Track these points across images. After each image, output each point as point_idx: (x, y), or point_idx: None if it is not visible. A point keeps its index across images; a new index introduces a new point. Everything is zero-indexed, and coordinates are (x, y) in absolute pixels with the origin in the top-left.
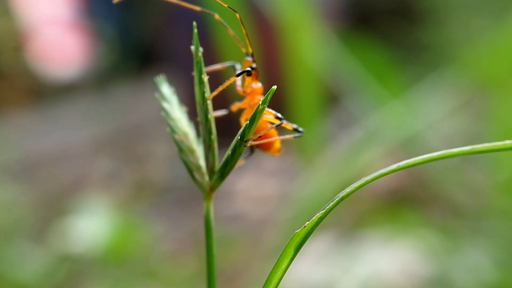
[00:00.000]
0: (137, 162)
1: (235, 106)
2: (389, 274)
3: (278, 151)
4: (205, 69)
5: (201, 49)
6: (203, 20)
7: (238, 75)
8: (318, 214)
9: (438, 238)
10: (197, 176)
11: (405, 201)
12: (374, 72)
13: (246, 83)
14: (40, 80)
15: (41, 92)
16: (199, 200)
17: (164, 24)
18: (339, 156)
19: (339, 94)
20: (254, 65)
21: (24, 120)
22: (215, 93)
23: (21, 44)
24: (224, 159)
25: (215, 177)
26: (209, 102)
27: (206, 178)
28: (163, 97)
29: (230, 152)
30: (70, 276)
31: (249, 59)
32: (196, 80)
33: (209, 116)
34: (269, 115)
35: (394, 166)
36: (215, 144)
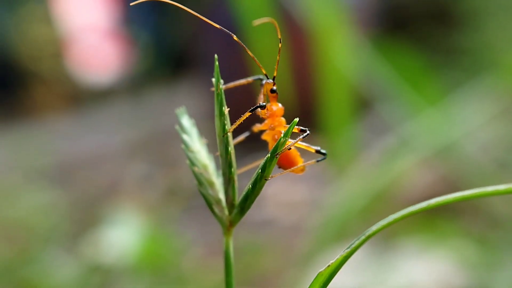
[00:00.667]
0: (169, 166)
1: (256, 128)
2: (425, 285)
3: (302, 170)
4: (230, 84)
5: (222, 81)
6: (235, 27)
7: (251, 111)
8: (343, 253)
9: (475, 249)
10: (216, 210)
11: (441, 210)
12: (410, 78)
13: (266, 107)
14: (78, 86)
15: (79, 98)
16: None
17: (198, 30)
18: (372, 164)
19: (372, 100)
20: (274, 88)
21: (62, 124)
22: (234, 125)
23: (61, 50)
24: (244, 193)
25: (235, 211)
26: (230, 135)
27: (226, 212)
28: (183, 129)
29: (250, 186)
30: (101, 286)
31: (270, 81)
32: (216, 112)
33: (230, 149)
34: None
35: (457, 195)
36: (235, 177)
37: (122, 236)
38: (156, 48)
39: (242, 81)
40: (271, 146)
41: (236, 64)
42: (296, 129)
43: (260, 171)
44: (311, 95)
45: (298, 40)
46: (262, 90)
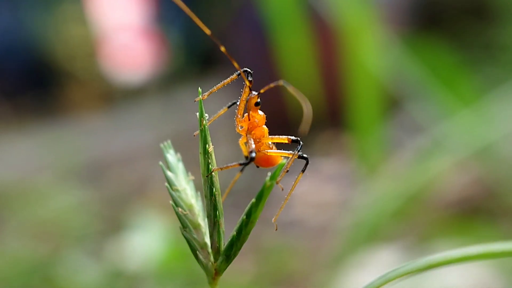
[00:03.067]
0: (196, 165)
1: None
2: None
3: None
4: (213, 117)
5: (206, 116)
6: (264, 25)
7: (229, 107)
8: None
9: None
10: (201, 256)
11: (476, 213)
12: (444, 76)
13: (249, 117)
14: (111, 85)
15: (111, 96)
16: None
17: (227, 28)
18: (404, 165)
19: (404, 99)
20: (259, 101)
21: (94, 123)
22: (218, 168)
23: (94, 50)
24: (229, 240)
25: (220, 259)
26: (214, 174)
27: (211, 259)
28: (167, 166)
29: (235, 232)
30: None
31: (254, 94)
32: (200, 150)
33: (214, 190)
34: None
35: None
36: (222, 221)
37: (147, 241)
38: (186, 47)
39: (221, 112)
40: (245, 151)
41: (264, 63)
42: (286, 139)
43: (245, 217)
44: (340, 94)
45: (327, 39)
46: (243, 96)
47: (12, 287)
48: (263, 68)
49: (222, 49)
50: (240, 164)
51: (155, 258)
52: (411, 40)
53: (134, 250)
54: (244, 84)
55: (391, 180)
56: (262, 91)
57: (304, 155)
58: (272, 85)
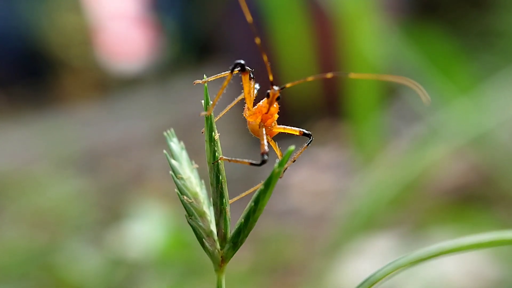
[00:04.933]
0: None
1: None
2: (456, 277)
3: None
4: (217, 76)
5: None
6: (260, 13)
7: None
8: None
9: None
10: (207, 244)
11: (472, 200)
12: (441, 64)
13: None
14: (107, 74)
15: (107, 85)
16: None
17: (223, 17)
18: (401, 153)
19: (400, 87)
20: (279, 96)
21: (90, 112)
22: (227, 159)
23: (89, 38)
24: (236, 227)
25: (227, 246)
26: (221, 162)
27: (218, 246)
28: (171, 154)
29: (243, 219)
30: (126, 279)
31: (276, 88)
32: (206, 137)
33: (221, 178)
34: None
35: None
36: (228, 209)
37: (146, 229)
38: (182, 35)
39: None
40: (254, 131)
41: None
42: (298, 132)
43: (253, 204)
44: (337, 83)
45: (324, 27)
46: (249, 84)
47: (10, 275)
48: (260, 58)
49: (257, 40)
50: (251, 164)
51: (155, 246)
52: (408, 27)
53: (133, 239)
54: (241, 77)
55: (387, 168)
56: (288, 85)
57: (307, 132)
58: (328, 75)
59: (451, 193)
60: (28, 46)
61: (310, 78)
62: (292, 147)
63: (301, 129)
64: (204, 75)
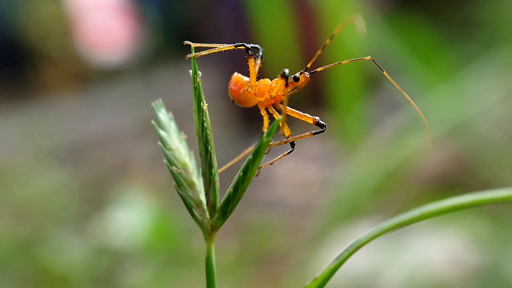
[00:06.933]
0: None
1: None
2: (437, 263)
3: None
4: (210, 50)
5: (199, 73)
6: (243, 3)
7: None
8: (331, 265)
9: (488, 226)
10: (196, 213)
11: (454, 187)
12: (421, 53)
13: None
14: (87, 65)
15: (88, 77)
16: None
17: (207, 6)
18: (384, 142)
19: (383, 77)
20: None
21: (71, 104)
22: (277, 143)
23: (68, 28)
24: (225, 196)
25: (216, 215)
26: (209, 133)
27: (207, 216)
28: (159, 125)
29: (232, 189)
30: (110, 267)
31: (308, 74)
32: (194, 108)
33: (209, 148)
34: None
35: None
36: (217, 179)
37: (130, 218)
38: (165, 25)
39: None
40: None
41: (243, 41)
42: (312, 119)
43: (242, 173)
44: (320, 72)
45: (306, 16)
46: (256, 64)
47: None
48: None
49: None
50: (314, 134)
51: (139, 235)
52: (390, 17)
53: (117, 227)
54: (247, 55)
55: (370, 157)
56: (319, 69)
57: (322, 122)
58: (365, 57)
59: (432, 181)
60: (7, 37)
61: (345, 62)
62: (280, 117)
63: (315, 118)
64: (193, 47)
